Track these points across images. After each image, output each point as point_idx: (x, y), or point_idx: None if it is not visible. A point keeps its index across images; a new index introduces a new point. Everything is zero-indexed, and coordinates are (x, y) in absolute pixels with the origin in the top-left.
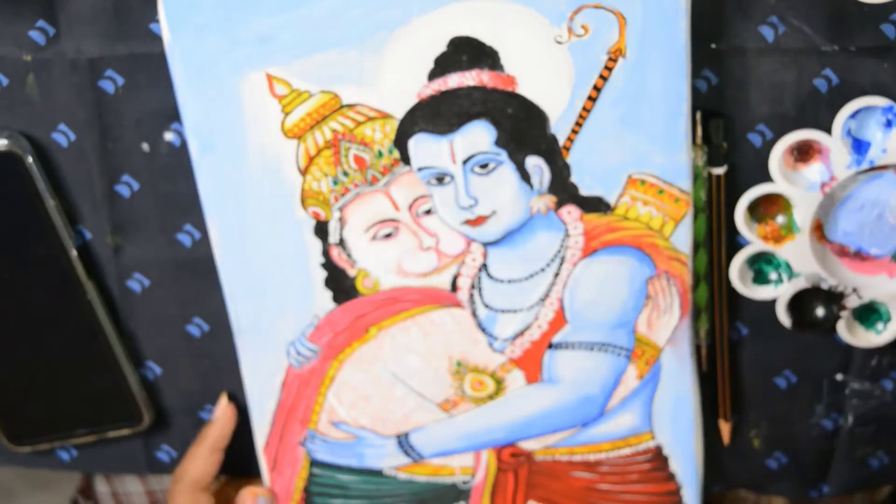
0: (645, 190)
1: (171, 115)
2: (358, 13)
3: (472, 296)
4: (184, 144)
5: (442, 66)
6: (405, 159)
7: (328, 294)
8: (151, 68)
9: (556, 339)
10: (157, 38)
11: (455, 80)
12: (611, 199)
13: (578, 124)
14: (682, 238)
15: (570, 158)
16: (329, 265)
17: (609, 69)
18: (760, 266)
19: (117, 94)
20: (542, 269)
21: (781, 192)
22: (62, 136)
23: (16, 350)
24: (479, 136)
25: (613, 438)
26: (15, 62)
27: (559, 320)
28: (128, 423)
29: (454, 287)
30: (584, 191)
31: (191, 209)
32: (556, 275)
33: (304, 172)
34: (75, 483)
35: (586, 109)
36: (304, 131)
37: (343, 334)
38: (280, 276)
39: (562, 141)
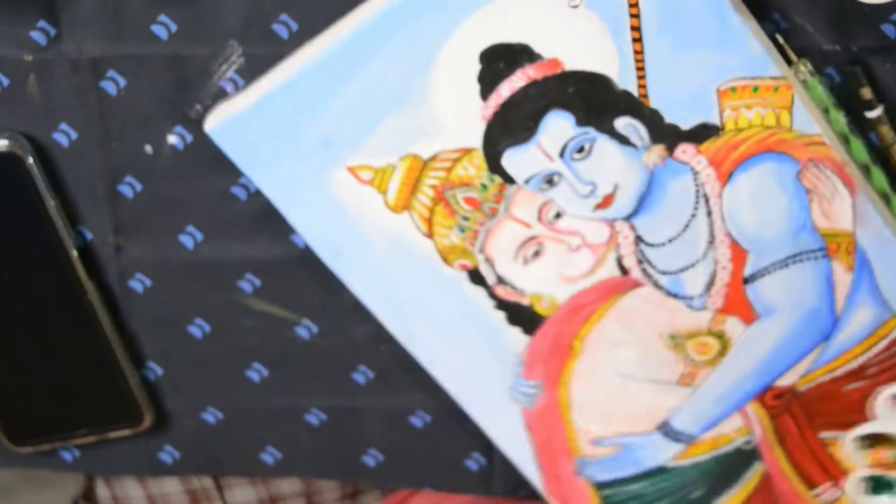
0: (740, 95)
1: (174, 117)
2: (387, 75)
3: (644, 270)
4: (187, 147)
5: (487, 82)
6: (508, 179)
7: (517, 329)
8: (154, 70)
9: (746, 272)
10: (159, 40)
11: (506, 89)
12: (714, 121)
13: (640, 69)
14: (805, 120)
15: (653, 103)
16: (502, 304)
17: (634, 5)
18: None
19: (119, 95)
20: (693, 215)
21: None
22: (63, 137)
23: (16, 350)
24: (559, 125)
25: (862, 338)
26: (16, 62)
27: (739, 254)
28: (129, 423)
29: (624, 270)
30: (685, 125)
31: (193, 211)
32: (709, 214)
33: (430, 235)
34: (76, 484)
35: (637, 52)
36: (407, 200)
37: (552, 360)
38: (467, 335)
39: (635, 91)
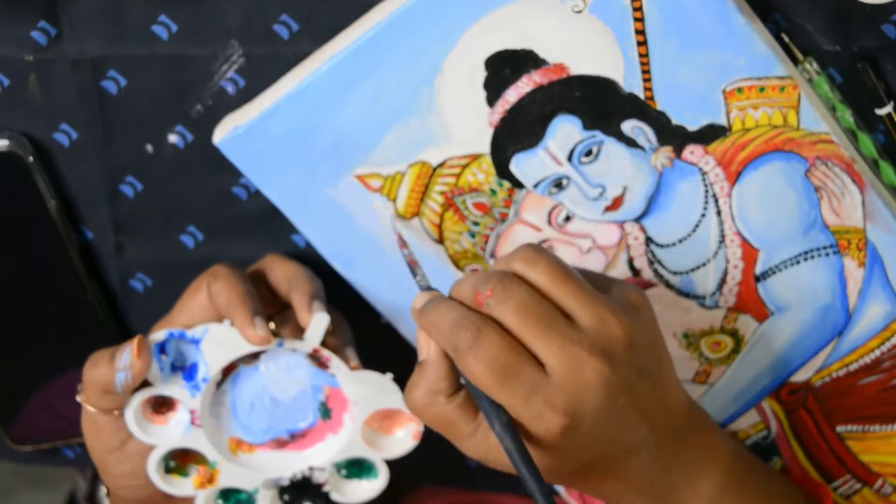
0: (746, 95)
1: (175, 117)
2: (393, 83)
3: (655, 270)
4: (188, 146)
5: (493, 88)
6: (517, 184)
7: None
8: (155, 70)
9: (758, 270)
10: (160, 40)
11: (513, 95)
12: (721, 121)
13: (646, 71)
14: (812, 119)
15: (660, 105)
16: None
17: (638, 8)
18: None
19: (120, 94)
20: (702, 215)
21: None
22: (64, 136)
23: (18, 349)
24: (566, 130)
25: (876, 332)
26: (16, 62)
27: (750, 252)
28: None
29: (635, 271)
30: (692, 126)
31: (194, 211)
32: (718, 213)
33: (440, 241)
34: (74, 483)
35: (642, 55)
36: (417, 207)
37: None
38: None
39: (642, 94)
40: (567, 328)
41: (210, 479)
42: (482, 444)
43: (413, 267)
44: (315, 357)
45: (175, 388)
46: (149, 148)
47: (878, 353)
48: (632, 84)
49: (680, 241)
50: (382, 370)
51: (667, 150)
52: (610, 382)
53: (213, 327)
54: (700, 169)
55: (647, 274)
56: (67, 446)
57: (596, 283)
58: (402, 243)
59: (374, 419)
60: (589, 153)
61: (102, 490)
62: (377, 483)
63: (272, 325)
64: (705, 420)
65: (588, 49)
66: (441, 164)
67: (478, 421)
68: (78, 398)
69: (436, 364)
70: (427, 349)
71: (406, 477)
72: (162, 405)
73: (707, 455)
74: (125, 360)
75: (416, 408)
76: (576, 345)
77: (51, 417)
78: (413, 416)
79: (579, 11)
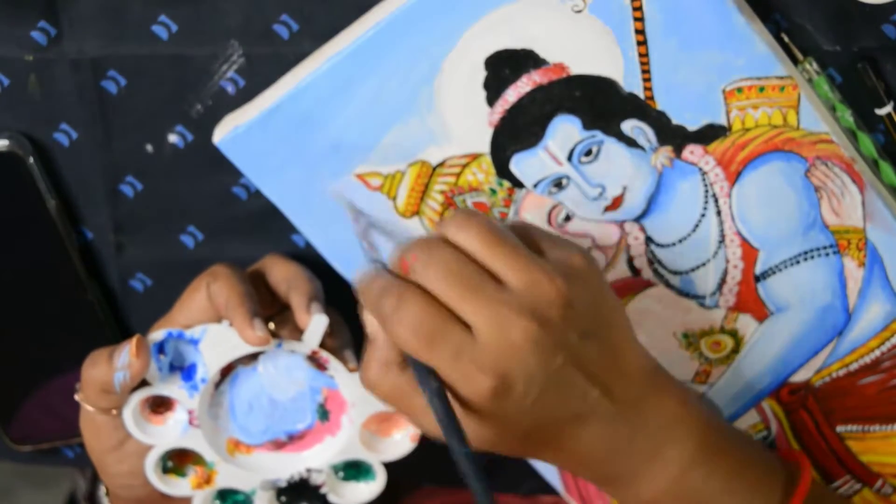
0: (746, 95)
1: (175, 117)
2: (393, 83)
3: (655, 270)
4: (187, 146)
5: (492, 88)
6: (517, 184)
7: None
8: (155, 70)
9: (758, 270)
10: (160, 40)
11: (512, 95)
12: (721, 121)
13: (645, 71)
14: (812, 119)
15: (660, 105)
16: None
17: (638, 8)
18: None
19: (120, 94)
20: (702, 215)
21: None
22: (64, 136)
23: (18, 349)
24: (566, 129)
25: (876, 332)
26: (16, 62)
27: (750, 252)
28: None
29: (635, 271)
30: (692, 126)
31: (194, 211)
32: (718, 213)
33: None
34: (73, 483)
35: (643, 54)
36: (417, 206)
37: None
38: None
39: (642, 94)
40: (494, 290)
41: (207, 480)
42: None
43: (368, 250)
44: (314, 358)
45: (173, 388)
46: (149, 148)
47: (878, 353)
48: (632, 84)
49: (680, 240)
50: None
51: (667, 150)
52: (541, 343)
53: (211, 327)
54: (700, 169)
55: (647, 274)
56: (67, 446)
57: (537, 245)
58: (355, 216)
59: (372, 421)
60: (589, 153)
61: (102, 490)
62: (375, 485)
63: (271, 326)
64: (673, 385)
65: (588, 49)
66: (441, 164)
67: None
68: (76, 397)
69: (382, 336)
70: (370, 324)
71: (405, 477)
72: (160, 405)
73: (675, 422)
74: (124, 359)
75: (371, 383)
76: (503, 305)
77: (51, 417)
78: None
79: (579, 11)
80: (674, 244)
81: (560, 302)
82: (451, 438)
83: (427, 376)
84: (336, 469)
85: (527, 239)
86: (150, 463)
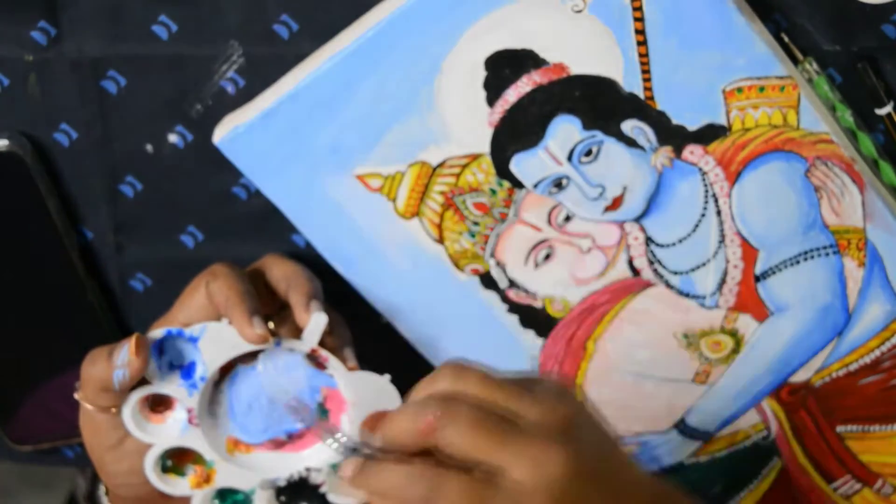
0: (746, 95)
1: (175, 117)
2: (393, 83)
3: (655, 270)
4: (188, 146)
5: (492, 88)
6: (517, 184)
7: (530, 332)
8: (154, 70)
9: (758, 270)
10: (160, 40)
11: (512, 95)
12: (721, 121)
13: (645, 71)
14: (812, 119)
15: (660, 105)
16: (515, 307)
17: (638, 8)
18: None
19: (120, 94)
20: (703, 215)
21: None
22: (64, 136)
23: (18, 349)
24: (566, 130)
25: (876, 332)
26: (16, 62)
27: (750, 252)
28: None
29: (635, 271)
30: (692, 126)
31: (194, 211)
32: (718, 213)
33: (440, 241)
34: (73, 483)
35: (643, 54)
36: (417, 207)
37: (567, 360)
38: (481, 339)
39: (642, 94)
40: (518, 431)
41: (207, 479)
42: None
43: (330, 434)
44: (313, 357)
45: (173, 387)
46: (149, 148)
47: (878, 353)
48: (632, 84)
49: (680, 240)
50: (382, 370)
51: (667, 150)
52: (577, 459)
53: (211, 326)
54: (700, 169)
55: (647, 274)
56: (67, 446)
57: (521, 385)
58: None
59: (371, 420)
60: (589, 153)
61: (102, 489)
62: None
63: (271, 325)
64: (673, 495)
65: (588, 49)
66: (441, 164)
67: None
68: (76, 395)
69: None
70: None
71: None
72: (159, 404)
73: None
74: (123, 357)
75: None
76: (533, 443)
77: (51, 417)
78: None
79: (579, 11)
80: (674, 244)
81: (574, 422)
82: None
83: None
84: (335, 468)
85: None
86: (150, 462)
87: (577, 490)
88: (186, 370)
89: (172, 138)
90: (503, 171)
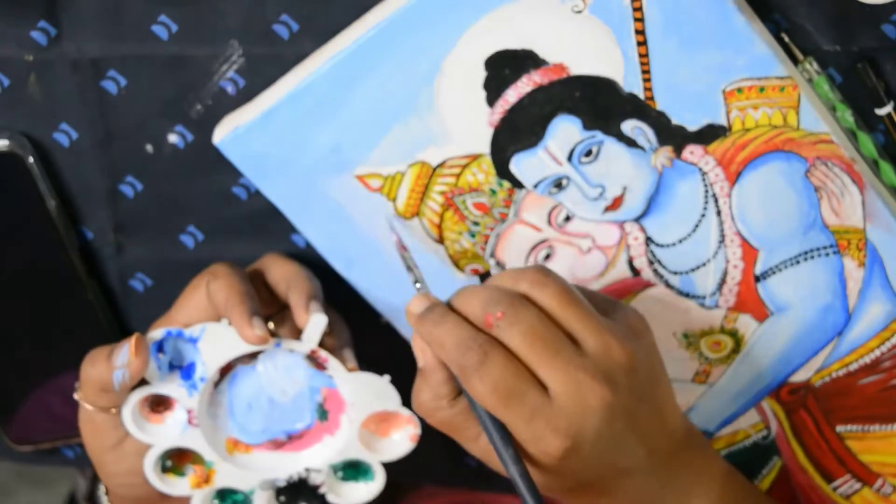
0: (746, 96)
1: (175, 117)
2: (393, 83)
3: (655, 270)
4: (188, 146)
5: (492, 88)
6: (517, 184)
7: None
8: (154, 70)
9: (758, 270)
10: (160, 40)
11: (512, 95)
12: (721, 121)
13: (646, 71)
14: (812, 119)
15: (660, 105)
16: None
17: (638, 8)
18: None
19: (120, 94)
20: (703, 215)
21: None
22: (64, 136)
23: (17, 349)
24: (566, 130)
25: (876, 332)
26: (16, 62)
27: (750, 252)
28: None
29: (635, 271)
30: (692, 126)
31: (194, 211)
32: (718, 213)
33: (441, 241)
34: (72, 483)
35: (643, 55)
36: (417, 207)
37: None
38: None
39: (642, 94)
40: (572, 353)
41: (206, 479)
42: (485, 447)
43: (413, 270)
44: (313, 358)
45: (172, 387)
46: (149, 148)
47: (877, 353)
48: (632, 84)
49: (680, 241)
50: (382, 370)
51: (667, 150)
52: (611, 407)
53: (210, 326)
54: (700, 169)
55: (647, 274)
56: (67, 446)
57: (599, 306)
58: (402, 245)
59: (371, 421)
60: (589, 153)
61: (102, 490)
62: (374, 485)
63: (270, 325)
64: (700, 442)
65: (588, 49)
66: (441, 164)
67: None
68: (75, 396)
69: (435, 371)
70: (424, 357)
71: (406, 477)
72: (159, 404)
73: (701, 475)
74: (123, 357)
75: (423, 412)
76: (580, 370)
77: (50, 417)
78: (410, 418)
79: (579, 11)
80: (674, 244)
81: (627, 366)
82: (530, 498)
83: (502, 439)
84: (335, 469)
85: (590, 299)
86: (149, 462)
87: (602, 428)
88: (186, 371)
89: (172, 138)
90: (503, 172)
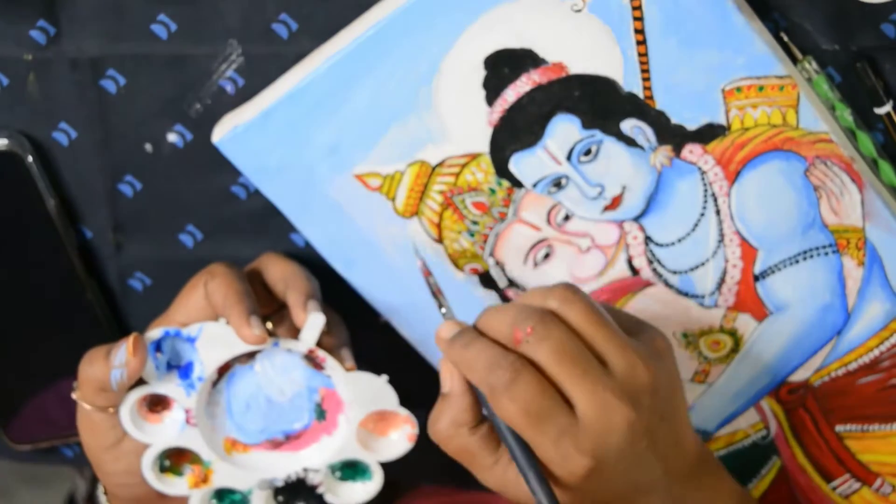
0: (745, 95)
1: (174, 116)
2: (392, 83)
3: (654, 269)
4: (187, 145)
5: (492, 87)
6: (516, 183)
7: None
8: (154, 69)
9: (757, 269)
10: (159, 39)
11: (512, 94)
12: (721, 120)
13: (645, 70)
14: (811, 118)
15: (659, 104)
16: None
17: (637, 7)
18: None
19: (119, 93)
20: (702, 214)
21: None
22: (63, 136)
23: (17, 349)
24: (565, 129)
25: (875, 331)
26: (16, 61)
27: (749, 251)
28: None
29: (634, 270)
30: (691, 126)
31: (193, 210)
32: (717, 212)
33: (440, 240)
34: (72, 483)
35: (642, 54)
36: (416, 206)
37: None
38: None
39: (641, 93)
40: (600, 373)
41: (204, 479)
42: (501, 476)
43: (438, 296)
44: (311, 358)
45: (170, 387)
46: (148, 147)
47: (877, 352)
48: (631, 83)
49: (679, 240)
50: (381, 369)
51: (666, 150)
52: (635, 427)
53: (208, 326)
54: (699, 168)
55: (646, 273)
56: (66, 446)
57: (624, 325)
58: (427, 271)
59: (368, 421)
60: (588, 152)
61: (101, 490)
62: (371, 485)
63: (269, 325)
64: (714, 464)
65: (587, 48)
66: (440, 164)
67: (498, 453)
68: (73, 395)
69: (460, 397)
70: (451, 381)
71: (405, 477)
72: (157, 403)
73: (714, 496)
74: (121, 357)
75: (440, 439)
76: (607, 390)
77: (50, 417)
78: (408, 418)
79: (579, 10)
80: (673, 243)
81: (651, 386)
82: None
83: (528, 460)
84: (333, 469)
85: (616, 319)
86: (147, 461)
87: (625, 448)
88: (184, 370)
89: (172, 137)
90: (502, 171)
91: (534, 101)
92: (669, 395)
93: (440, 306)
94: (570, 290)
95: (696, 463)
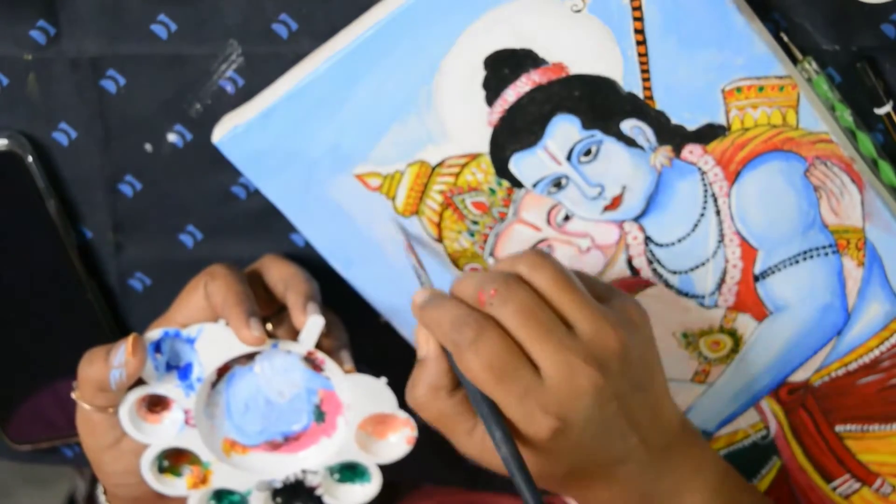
0: (746, 95)
1: (174, 116)
2: (392, 82)
3: (654, 270)
4: (187, 145)
5: (492, 88)
6: (516, 183)
7: None
8: (154, 69)
9: (757, 269)
10: (159, 39)
11: (512, 94)
12: (721, 121)
13: (645, 70)
14: (811, 118)
15: (659, 104)
16: None
17: (637, 8)
18: None
19: (119, 93)
20: (702, 214)
21: None
22: (63, 136)
23: (16, 349)
24: (565, 129)
25: (875, 332)
26: (15, 61)
27: (749, 252)
28: None
29: (634, 271)
30: (691, 126)
31: (193, 210)
32: (717, 213)
33: (440, 240)
34: (72, 483)
35: (642, 54)
36: (416, 206)
37: None
38: None
39: (641, 93)
40: (565, 335)
41: (203, 480)
42: (479, 443)
43: (418, 270)
44: (310, 359)
45: (170, 388)
46: (148, 147)
47: (877, 352)
48: (631, 83)
49: (679, 240)
50: (381, 370)
51: (666, 150)
52: (601, 391)
53: (208, 327)
54: (699, 168)
55: (646, 273)
56: (66, 446)
57: (597, 293)
58: (410, 247)
59: (367, 423)
60: (588, 152)
61: (101, 490)
62: (370, 487)
63: (269, 327)
64: (696, 438)
65: (587, 48)
66: (440, 164)
67: (476, 419)
68: (73, 395)
69: (436, 361)
70: (427, 346)
71: (405, 477)
72: (156, 404)
73: (696, 470)
74: (120, 357)
75: (417, 404)
76: (572, 352)
77: (50, 416)
78: (407, 421)
79: (578, 11)
80: (673, 244)
81: (620, 353)
82: (522, 487)
83: (494, 418)
84: (332, 470)
85: (588, 286)
86: (146, 462)
87: (593, 411)
88: (183, 371)
89: (171, 138)
90: (502, 171)
91: (534, 101)
92: (642, 364)
93: (420, 280)
94: (539, 255)
95: (677, 437)
